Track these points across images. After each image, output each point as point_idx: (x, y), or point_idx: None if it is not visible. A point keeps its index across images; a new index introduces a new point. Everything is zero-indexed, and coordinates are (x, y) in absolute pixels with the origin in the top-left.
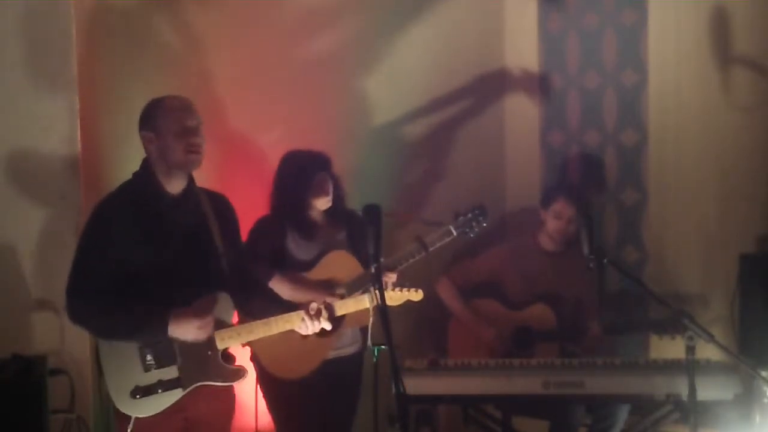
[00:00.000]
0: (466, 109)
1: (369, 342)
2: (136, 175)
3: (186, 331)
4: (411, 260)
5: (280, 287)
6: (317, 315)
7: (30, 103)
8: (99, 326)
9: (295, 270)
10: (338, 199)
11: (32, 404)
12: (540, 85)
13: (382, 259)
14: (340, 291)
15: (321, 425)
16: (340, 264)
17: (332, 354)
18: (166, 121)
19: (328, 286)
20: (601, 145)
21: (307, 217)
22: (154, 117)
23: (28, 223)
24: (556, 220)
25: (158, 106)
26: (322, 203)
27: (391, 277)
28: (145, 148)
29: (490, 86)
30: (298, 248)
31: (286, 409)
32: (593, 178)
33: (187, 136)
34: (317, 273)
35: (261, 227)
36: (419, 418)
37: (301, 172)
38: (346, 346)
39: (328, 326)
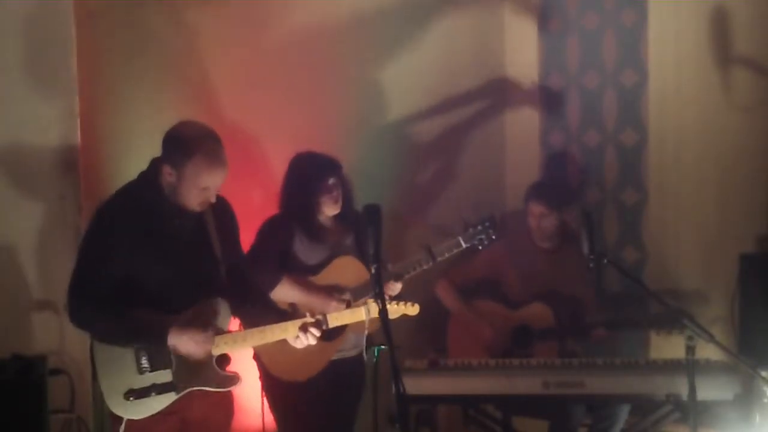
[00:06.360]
0: (467, 110)
1: (364, 354)
2: (142, 175)
3: (185, 343)
4: (418, 269)
5: (288, 290)
6: (310, 327)
7: (30, 103)
8: (100, 330)
9: (301, 273)
10: (348, 203)
11: (32, 404)
12: (540, 89)
13: (390, 262)
14: (346, 297)
15: (323, 427)
16: (347, 269)
17: (336, 356)
18: (195, 175)
19: (335, 291)
20: (601, 145)
21: (315, 220)
22: (184, 161)
23: (28, 223)
24: (531, 218)
25: (194, 152)
26: (331, 209)
27: (395, 288)
28: (161, 172)
29: (491, 87)
30: (306, 251)
31: (289, 411)
32: (563, 176)
33: (206, 193)
34: (324, 277)
35: (271, 227)
36: (419, 418)
37: (311, 177)
38: (349, 348)
39: (314, 342)
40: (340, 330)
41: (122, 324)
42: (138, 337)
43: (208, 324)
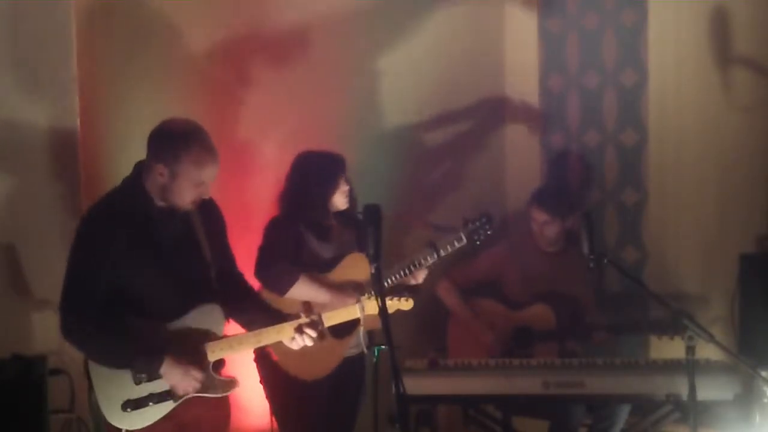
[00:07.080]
0: (466, 110)
1: (364, 348)
2: (125, 181)
3: (175, 376)
4: (424, 264)
5: (305, 289)
6: (306, 328)
7: (29, 102)
8: (95, 350)
9: (313, 271)
10: (352, 201)
11: (32, 404)
12: (540, 86)
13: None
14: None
15: (326, 425)
16: (359, 266)
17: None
18: (191, 170)
19: (351, 288)
20: (601, 145)
21: (326, 218)
22: (178, 158)
23: (28, 223)
24: (534, 225)
25: (188, 147)
26: (344, 204)
27: (422, 275)
28: (149, 174)
29: (491, 87)
30: (316, 249)
31: (292, 410)
32: (564, 178)
33: (200, 189)
34: (337, 274)
35: (277, 229)
36: (419, 418)
37: (324, 173)
38: (351, 347)
39: (310, 342)
40: (351, 327)
41: (118, 344)
42: (131, 364)
43: (202, 366)
